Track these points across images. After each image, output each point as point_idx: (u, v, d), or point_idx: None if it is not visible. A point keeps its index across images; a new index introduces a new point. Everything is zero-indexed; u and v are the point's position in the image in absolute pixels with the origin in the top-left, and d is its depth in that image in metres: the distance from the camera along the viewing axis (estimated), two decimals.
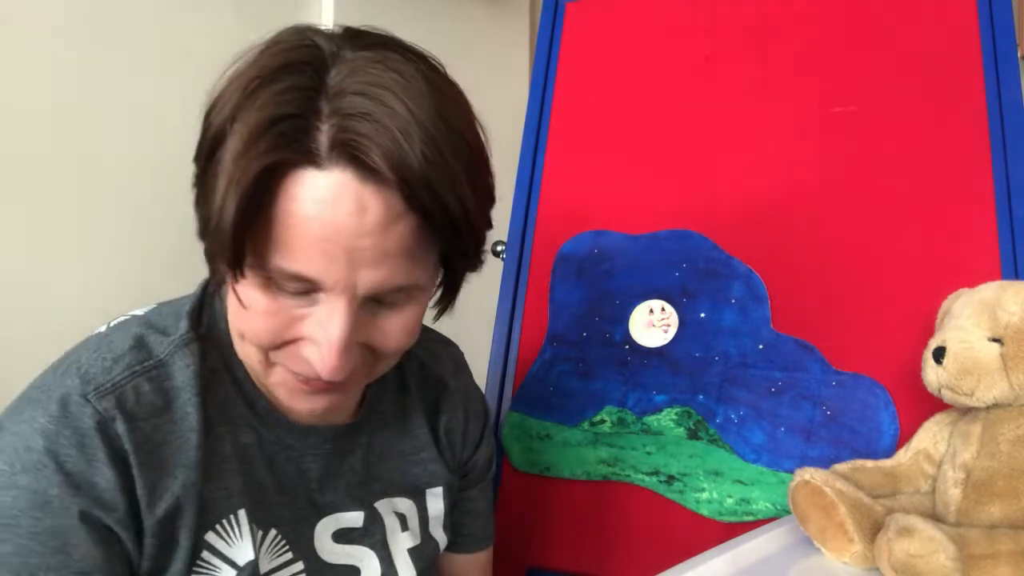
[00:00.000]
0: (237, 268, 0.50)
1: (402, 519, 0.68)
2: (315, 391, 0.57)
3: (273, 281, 0.51)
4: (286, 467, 0.61)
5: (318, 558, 0.62)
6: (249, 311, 0.53)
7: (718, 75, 1.02)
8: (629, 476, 0.93)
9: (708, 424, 0.91)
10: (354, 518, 0.65)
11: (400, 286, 0.53)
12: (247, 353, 0.57)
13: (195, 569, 0.55)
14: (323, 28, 0.55)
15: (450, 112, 0.52)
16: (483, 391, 1.04)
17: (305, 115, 0.48)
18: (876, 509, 0.64)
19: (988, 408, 0.66)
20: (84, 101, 1.15)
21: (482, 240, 0.58)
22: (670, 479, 0.91)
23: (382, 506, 0.67)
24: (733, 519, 0.87)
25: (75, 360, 0.54)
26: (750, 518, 0.86)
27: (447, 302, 0.61)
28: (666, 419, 0.93)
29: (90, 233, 1.14)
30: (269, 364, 0.56)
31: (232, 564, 0.56)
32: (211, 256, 0.53)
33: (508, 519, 0.99)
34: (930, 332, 0.72)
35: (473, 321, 1.34)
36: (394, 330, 0.56)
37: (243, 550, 0.57)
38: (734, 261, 0.95)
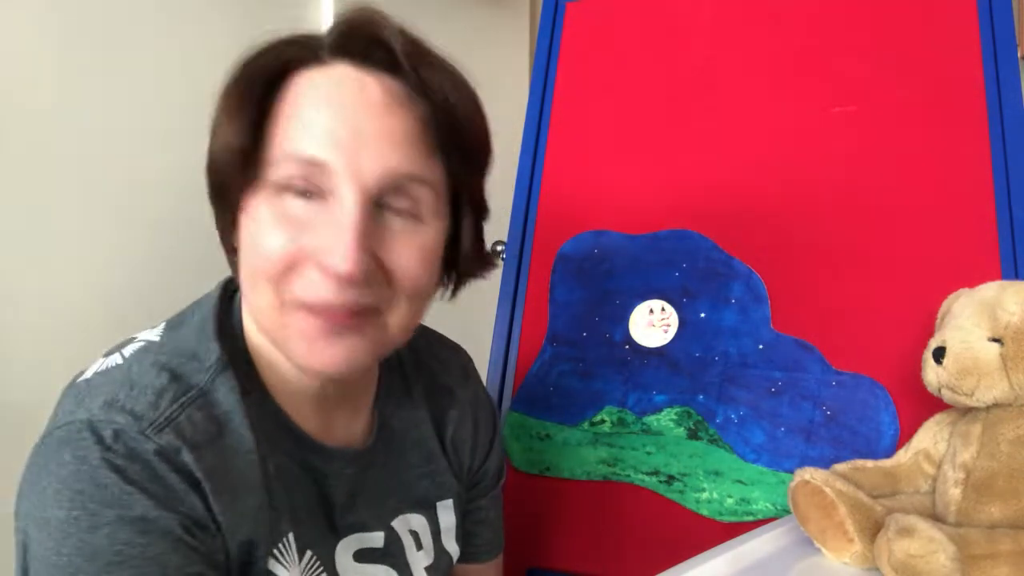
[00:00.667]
0: (251, 174, 0.52)
1: (415, 536, 0.67)
2: (332, 329, 0.53)
3: (283, 187, 0.52)
4: (311, 488, 0.60)
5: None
6: (259, 235, 0.53)
7: (718, 75, 1.02)
8: (629, 476, 0.93)
9: (708, 424, 0.91)
10: (375, 538, 0.64)
11: (409, 174, 0.53)
12: (262, 306, 0.54)
13: None
14: None
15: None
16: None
17: (308, 37, 0.54)
18: (876, 509, 0.64)
19: (988, 408, 0.66)
20: (84, 102, 1.15)
21: (485, 147, 0.60)
22: (670, 479, 0.91)
23: (398, 524, 0.66)
24: (733, 519, 0.87)
25: (111, 398, 0.51)
26: (750, 518, 0.86)
27: (461, 253, 0.61)
28: (666, 419, 0.93)
29: (90, 235, 1.14)
30: (283, 309, 0.53)
31: None
32: (224, 187, 0.54)
33: (508, 519, 0.98)
34: (930, 332, 0.72)
35: (473, 321, 1.34)
36: (406, 251, 0.55)
37: (296, 574, 0.55)
38: (734, 261, 0.95)
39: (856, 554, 0.63)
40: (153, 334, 0.58)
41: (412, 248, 0.55)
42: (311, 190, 0.52)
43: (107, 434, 0.49)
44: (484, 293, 1.20)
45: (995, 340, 0.65)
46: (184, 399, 0.52)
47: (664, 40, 1.07)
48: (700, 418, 0.91)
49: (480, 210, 0.63)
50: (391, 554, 0.65)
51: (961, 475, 0.65)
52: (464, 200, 0.60)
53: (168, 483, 0.49)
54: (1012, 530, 0.58)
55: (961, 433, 0.68)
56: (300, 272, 0.52)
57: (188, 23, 1.27)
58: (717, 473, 0.89)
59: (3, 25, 1.07)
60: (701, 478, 0.89)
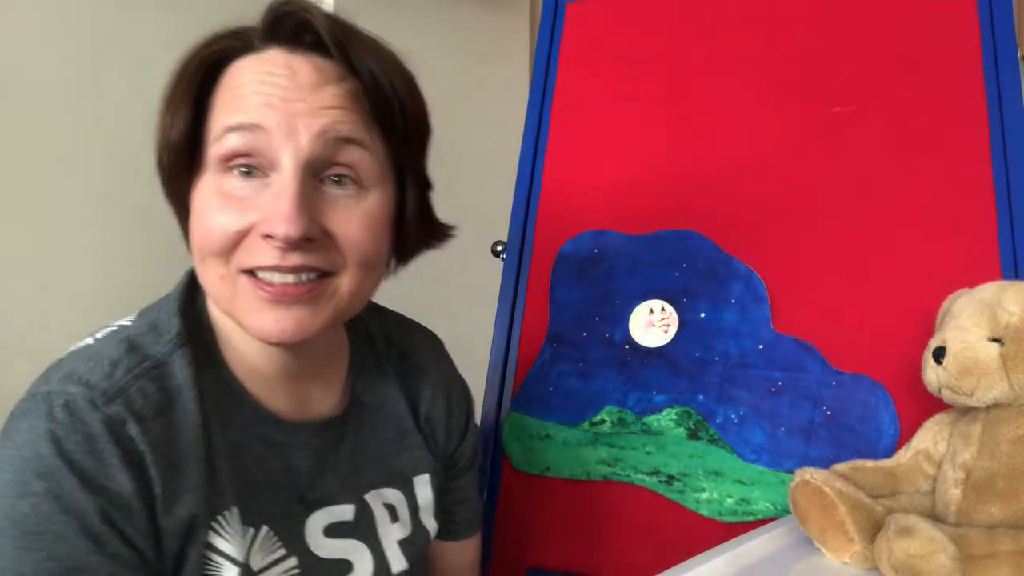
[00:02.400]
0: (196, 160, 0.56)
1: (391, 510, 0.68)
2: (284, 299, 0.55)
3: (226, 165, 0.55)
4: (275, 463, 0.61)
5: (311, 553, 0.62)
6: (206, 215, 0.55)
7: (718, 75, 1.02)
8: (629, 476, 0.93)
9: (708, 424, 0.91)
10: (344, 511, 0.65)
11: (342, 136, 0.56)
12: (212, 281, 0.57)
13: (202, 570, 0.55)
14: None
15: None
16: (483, 390, 1.04)
17: (242, 28, 0.58)
18: (876, 509, 0.64)
19: (988, 408, 0.66)
20: (85, 104, 1.15)
21: (420, 121, 0.62)
22: (670, 479, 0.91)
23: (371, 498, 0.67)
24: (733, 519, 0.87)
25: (70, 371, 0.54)
26: (750, 518, 0.86)
27: (407, 228, 0.64)
28: (666, 419, 0.93)
29: (89, 233, 1.14)
30: (232, 279, 0.55)
31: (233, 561, 0.56)
32: (173, 178, 0.58)
33: (508, 519, 0.99)
34: (930, 332, 0.72)
35: (473, 321, 1.34)
36: (350, 217, 0.57)
37: (239, 547, 0.57)
38: (734, 261, 0.95)
39: (856, 554, 0.63)
40: (127, 319, 0.60)
41: (355, 214, 0.57)
42: (252, 165, 0.55)
43: (58, 405, 0.51)
44: (484, 293, 1.20)
45: (995, 340, 0.65)
46: (138, 370, 0.55)
47: (664, 40, 1.07)
48: (700, 418, 0.91)
49: (423, 183, 0.65)
50: (361, 528, 0.65)
51: (961, 475, 0.65)
52: (407, 173, 0.63)
53: (103, 458, 0.51)
54: (1012, 530, 0.58)
55: (961, 433, 0.68)
56: (245, 244, 0.55)
57: (189, 22, 1.27)
58: (717, 473, 0.89)
59: (3, 25, 1.07)
60: (701, 478, 0.89)
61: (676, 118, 1.03)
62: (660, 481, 0.91)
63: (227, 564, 0.56)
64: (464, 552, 0.82)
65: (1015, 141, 0.84)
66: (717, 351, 0.93)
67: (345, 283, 0.58)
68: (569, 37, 1.14)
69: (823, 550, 0.66)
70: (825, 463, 0.74)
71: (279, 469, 0.61)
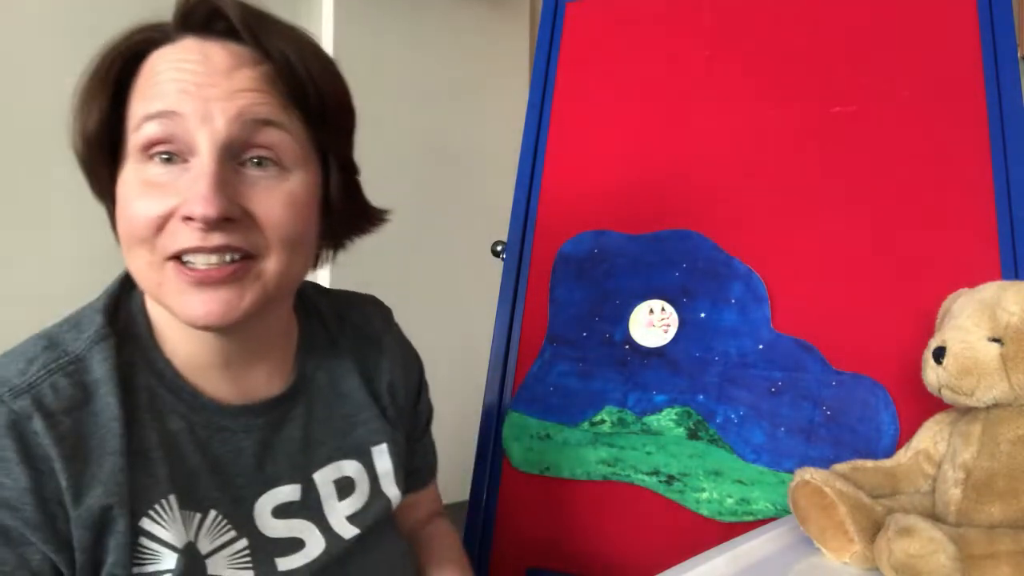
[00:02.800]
0: (117, 150, 0.56)
1: (346, 484, 0.69)
2: (207, 281, 0.55)
3: (146, 154, 0.55)
4: (221, 449, 0.62)
5: (260, 534, 0.62)
6: (128, 203, 0.56)
7: (718, 75, 1.02)
8: (629, 476, 0.93)
9: (708, 424, 0.91)
10: (290, 492, 0.65)
11: (259, 118, 0.56)
12: (140, 269, 0.57)
13: (136, 559, 0.55)
14: None
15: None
16: (483, 390, 1.05)
17: (157, 22, 0.58)
18: (876, 509, 0.64)
19: (988, 408, 0.66)
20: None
21: (336, 103, 0.62)
22: (670, 479, 0.91)
23: (323, 474, 0.67)
24: (733, 519, 0.87)
25: None
26: (750, 518, 0.86)
27: (335, 211, 0.64)
28: (666, 419, 0.93)
29: (89, 233, 1.14)
30: (159, 267, 0.56)
31: (172, 547, 0.56)
32: (94, 170, 0.59)
33: (508, 519, 0.99)
34: (930, 332, 0.72)
35: (473, 321, 1.34)
36: (270, 198, 0.57)
37: (179, 533, 0.57)
38: (734, 261, 0.95)
39: (856, 554, 0.63)
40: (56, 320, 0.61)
41: (276, 195, 0.58)
42: (171, 152, 0.55)
43: None
44: (484, 293, 1.20)
45: (995, 340, 0.65)
46: (53, 365, 0.55)
47: (664, 40, 1.07)
48: (700, 418, 0.92)
49: (349, 167, 0.66)
50: (308, 507, 0.66)
51: (961, 475, 0.65)
52: (330, 156, 0.63)
53: (2, 454, 0.51)
54: (1012, 530, 0.58)
55: (961, 433, 0.68)
56: (168, 229, 0.55)
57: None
58: (717, 473, 0.89)
59: (3, 24, 1.07)
60: (701, 478, 0.89)
61: (676, 118, 1.04)
62: (660, 481, 0.91)
63: (164, 551, 0.56)
64: (429, 497, 0.84)
65: (1015, 141, 0.84)
66: (717, 351, 0.93)
67: (271, 265, 0.58)
68: (569, 37, 1.14)
69: (823, 550, 0.66)
70: (825, 463, 0.74)
71: (226, 454, 0.62)
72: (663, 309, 0.97)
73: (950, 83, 0.89)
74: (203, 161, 0.54)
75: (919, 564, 0.55)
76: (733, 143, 0.99)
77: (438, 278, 1.65)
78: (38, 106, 1.11)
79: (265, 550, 0.62)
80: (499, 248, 1.13)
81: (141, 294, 0.62)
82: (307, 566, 0.63)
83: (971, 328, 0.66)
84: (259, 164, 0.57)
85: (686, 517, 0.89)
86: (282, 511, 0.64)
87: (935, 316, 0.75)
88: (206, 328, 0.57)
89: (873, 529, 0.63)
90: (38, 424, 0.52)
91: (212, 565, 0.58)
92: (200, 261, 0.55)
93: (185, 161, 0.55)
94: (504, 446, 1.01)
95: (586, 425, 0.97)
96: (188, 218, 0.54)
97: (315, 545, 0.65)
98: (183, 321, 0.57)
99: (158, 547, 0.56)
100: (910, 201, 0.88)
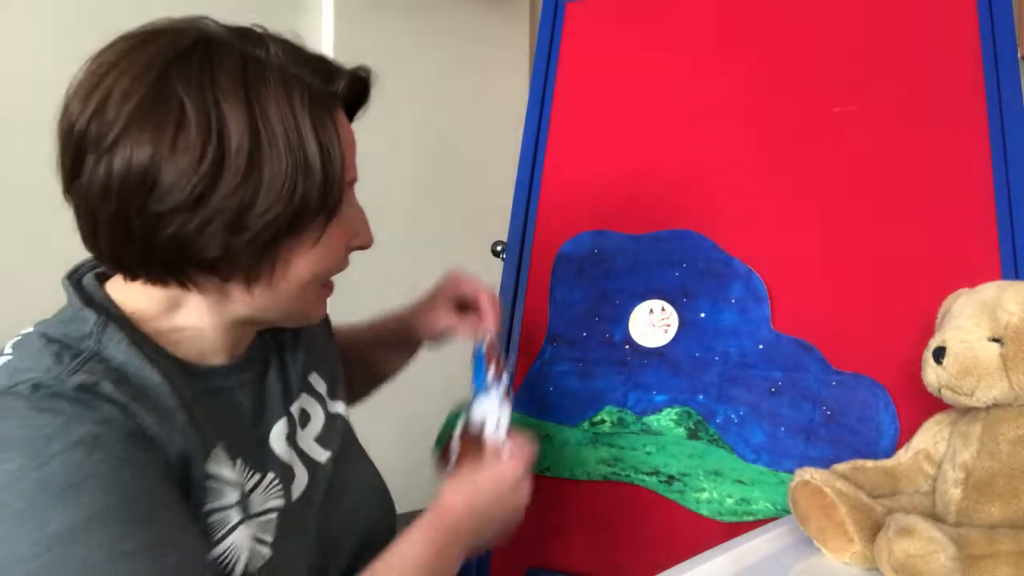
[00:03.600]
0: (338, 200, 0.60)
1: (302, 415, 0.72)
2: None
3: (342, 206, 0.61)
4: (224, 407, 0.64)
5: (283, 463, 0.66)
6: (333, 247, 0.63)
7: (718, 75, 1.02)
8: (629, 476, 0.93)
9: (708, 424, 0.91)
10: (283, 424, 0.69)
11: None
12: (308, 296, 0.64)
13: (208, 495, 0.57)
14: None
15: None
16: None
17: (335, 70, 0.61)
18: (876, 509, 0.64)
19: (988, 408, 0.66)
20: None
21: None
22: (670, 479, 0.91)
23: (295, 407, 0.71)
24: (733, 519, 0.87)
25: (12, 371, 0.53)
26: (750, 518, 0.86)
27: None
28: (666, 419, 0.93)
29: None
30: (322, 287, 0.67)
31: (234, 485, 0.60)
32: (299, 215, 0.57)
33: None
34: (930, 332, 0.72)
35: None
36: None
37: (237, 475, 0.60)
38: (734, 261, 0.95)
39: (856, 554, 0.63)
40: (17, 336, 0.58)
41: None
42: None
43: (25, 389, 0.51)
44: None
45: (995, 340, 0.65)
46: (81, 358, 0.54)
47: (664, 40, 1.07)
48: (700, 418, 0.92)
49: None
50: (290, 436, 0.69)
51: (961, 475, 0.65)
52: None
53: (99, 407, 0.51)
54: (1012, 530, 0.59)
55: (961, 433, 0.68)
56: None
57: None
58: (717, 473, 0.89)
59: (3, 24, 1.07)
60: (701, 478, 0.89)
61: (676, 118, 1.04)
62: (660, 481, 0.91)
63: (229, 489, 0.59)
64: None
65: (1015, 141, 0.84)
66: (717, 351, 0.93)
67: None
68: (569, 37, 1.14)
69: (823, 550, 0.66)
70: (825, 463, 0.74)
71: (230, 410, 0.65)
72: (663, 309, 0.97)
73: (950, 83, 0.89)
74: (358, 204, 0.67)
75: (919, 564, 0.55)
76: (733, 143, 0.99)
77: (438, 278, 1.64)
78: (38, 105, 1.11)
79: (289, 476, 0.66)
80: (499, 248, 1.13)
81: (100, 291, 0.62)
82: (304, 491, 0.67)
83: (971, 328, 0.66)
84: None
85: (686, 517, 0.89)
86: (288, 439, 0.68)
87: (935, 316, 0.75)
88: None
89: (873, 529, 0.63)
90: (108, 387, 0.52)
91: (252, 504, 0.61)
92: None
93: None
94: None
95: (586, 425, 0.97)
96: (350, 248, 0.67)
97: (301, 473, 0.68)
98: (307, 321, 0.68)
99: (223, 486, 0.59)
100: (910, 201, 0.88)
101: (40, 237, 1.12)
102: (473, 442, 0.78)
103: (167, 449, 0.54)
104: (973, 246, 0.84)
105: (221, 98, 0.53)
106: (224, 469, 0.59)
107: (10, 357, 0.55)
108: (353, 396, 0.86)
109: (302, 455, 0.70)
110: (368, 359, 0.92)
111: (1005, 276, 0.81)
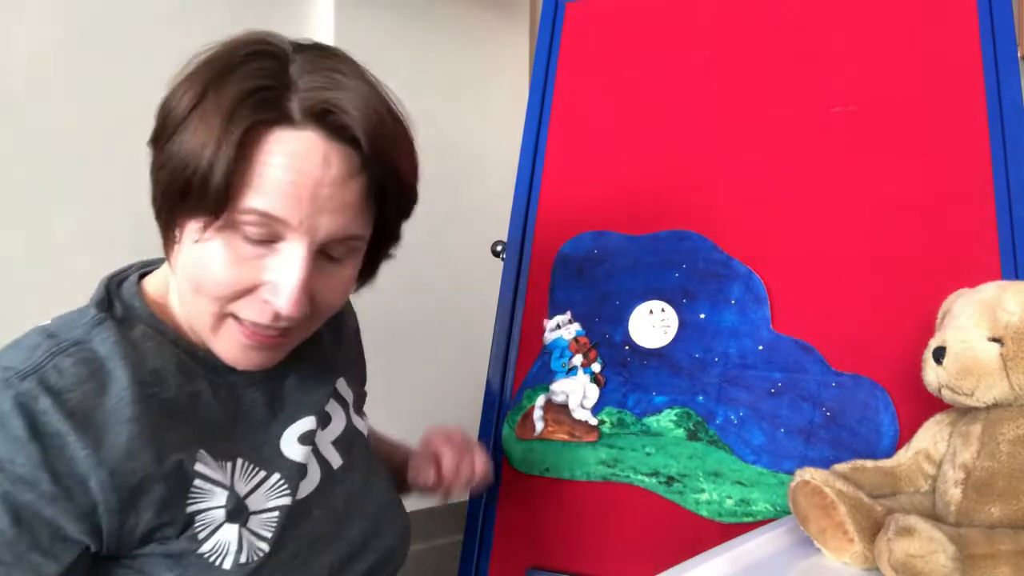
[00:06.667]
0: (216, 214, 0.56)
1: (323, 416, 0.72)
2: (261, 345, 0.62)
3: (239, 230, 0.57)
4: (238, 403, 0.66)
5: (292, 462, 0.67)
6: (211, 265, 0.58)
7: (718, 75, 1.02)
8: (629, 477, 0.93)
9: (708, 425, 0.91)
10: (309, 423, 0.70)
11: (352, 235, 0.61)
12: (199, 309, 0.61)
13: (191, 497, 0.59)
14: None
15: (389, 95, 0.63)
16: (483, 390, 1.05)
17: (279, 87, 0.57)
18: (876, 509, 0.64)
19: (988, 408, 0.66)
20: (84, 107, 1.15)
21: (415, 200, 0.67)
22: (670, 480, 0.91)
23: (329, 407, 0.73)
24: (733, 520, 0.87)
25: None
26: (750, 519, 0.86)
27: (372, 270, 0.71)
28: (666, 420, 0.93)
29: (91, 235, 1.14)
30: (221, 318, 0.60)
31: (222, 486, 0.61)
32: (176, 214, 0.58)
33: (508, 519, 0.99)
34: (930, 332, 0.72)
35: (473, 321, 1.34)
36: (337, 285, 0.64)
37: (224, 476, 0.62)
38: (734, 262, 0.95)
39: (856, 554, 0.63)
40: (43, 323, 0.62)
41: (338, 284, 0.64)
42: (266, 239, 0.58)
43: None
44: (484, 293, 1.20)
45: (995, 340, 0.65)
46: (55, 349, 0.57)
47: (664, 40, 1.07)
48: (700, 419, 0.91)
49: (395, 240, 0.71)
50: (310, 435, 0.70)
51: (961, 475, 0.65)
52: (385, 239, 0.69)
53: (9, 435, 0.53)
54: (1012, 530, 0.58)
55: (961, 433, 0.68)
56: (245, 299, 0.59)
57: (189, 22, 1.27)
58: (717, 474, 0.89)
59: (4, 24, 1.07)
60: (701, 479, 0.89)
61: (676, 118, 1.04)
62: (660, 482, 0.91)
63: (216, 489, 0.60)
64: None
65: (1015, 141, 0.84)
66: (717, 352, 0.93)
67: (314, 325, 0.65)
68: (569, 37, 1.14)
69: (823, 550, 0.66)
70: (825, 464, 0.74)
71: (244, 406, 0.66)
72: (663, 310, 0.97)
73: (950, 83, 0.89)
74: (296, 262, 0.58)
75: (919, 564, 0.55)
76: (733, 143, 0.99)
77: (438, 278, 1.65)
78: (40, 103, 1.11)
79: (300, 475, 0.67)
80: (499, 248, 1.13)
81: (135, 290, 0.65)
82: (313, 492, 0.68)
83: (971, 328, 0.66)
84: (331, 260, 0.62)
85: (686, 518, 0.89)
86: (305, 438, 0.69)
87: (935, 316, 0.75)
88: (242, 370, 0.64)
89: (873, 529, 0.63)
90: (44, 403, 0.54)
91: (252, 503, 0.63)
92: (260, 328, 0.61)
93: (275, 242, 0.58)
94: (504, 447, 1.01)
95: None
96: (268, 302, 0.59)
97: (313, 473, 0.69)
98: (224, 360, 0.63)
99: (210, 486, 0.60)
100: (910, 201, 0.88)
101: (40, 237, 1.12)
102: (555, 411, 0.97)
103: (93, 470, 0.54)
104: (973, 246, 0.84)
105: (199, 75, 0.58)
106: (210, 471, 0.60)
107: (14, 341, 0.59)
108: None
109: (317, 454, 0.70)
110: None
111: (1005, 276, 0.81)
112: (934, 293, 0.76)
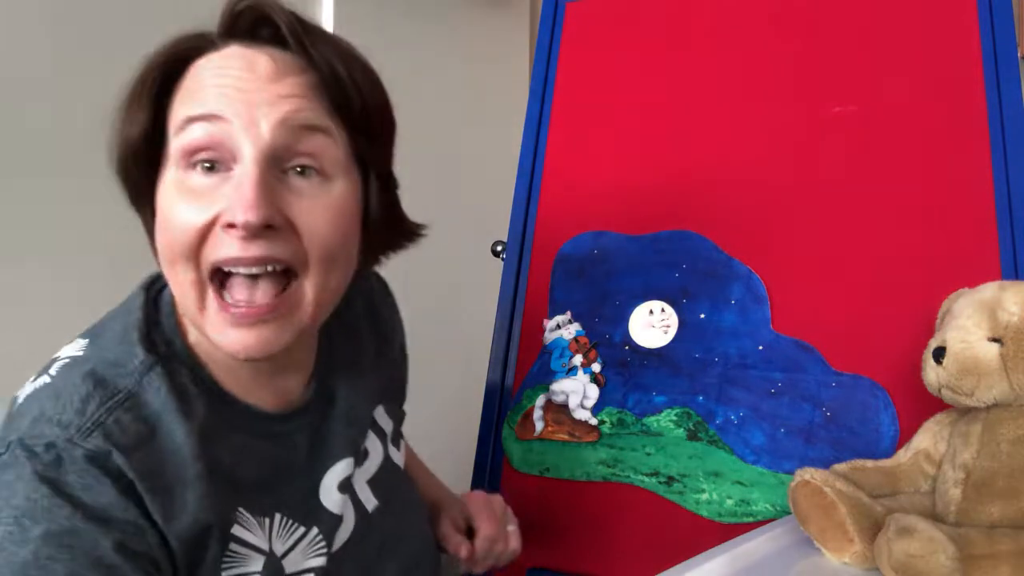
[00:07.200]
0: (157, 158, 0.55)
1: (364, 453, 0.70)
2: (245, 320, 0.55)
3: (188, 162, 0.54)
4: (280, 452, 0.63)
5: (331, 514, 0.64)
6: (170, 212, 0.55)
7: (718, 75, 1.02)
8: (629, 477, 0.93)
9: (708, 425, 0.91)
10: (345, 466, 0.67)
11: (303, 124, 0.55)
12: (182, 289, 0.56)
13: (225, 562, 0.56)
14: None
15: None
16: (483, 390, 1.05)
17: (202, 31, 0.58)
18: (876, 509, 0.64)
19: (988, 408, 0.66)
20: (84, 107, 1.15)
21: (390, 122, 0.63)
22: (670, 480, 0.91)
23: (369, 443, 0.71)
24: (733, 520, 0.87)
25: (39, 413, 0.53)
26: (750, 519, 0.86)
27: (381, 220, 0.64)
28: (666, 420, 0.93)
29: (92, 236, 1.14)
30: (201, 289, 0.55)
31: (259, 551, 0.58)
32: (135, 179, 0.57)
33: None
34: (930, 332, 0.72)
35: (473, 321, 1.34)
36: (314, 207, 0.56)
37: (263, 538, 0.59)
38: (734, 262, 0.95)
39: (856, 554, 0.63)
40: (75, 349, 0.59)
41: (319, 203, 0.56)
42: (214, 159, 0.54)
43: (39, 448, 0.51)
44: (484, 293, 1.20)
45: (995, 340, 0.65)
46: (111, 403, 0.54)
47: (664, 40, 1.07)
48: (700, 419, 0.91)
49: (388, 179, 0.65)
50: (347, 480, 0.67)
51: (961, 475, 0.65)
52: (371, 168, 0.62)
53: (100, 490, 0.50)
54: (1012, 530, 0.59)
55: (961, 433, 0.68)
56: (210, 239, 0.54)
57: (189, 24, 1.27)
58: (717, 474, 0.89)
59: (4, 24, 1.07)
60: (701, 479, 0.89)
61: (676, 118, 1.03)
62: (660, 482, 0.91)
63: (253, 554, 0.58)
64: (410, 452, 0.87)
65: (1015, 141, 0.84)
66: (717, 352, 0.93)
67: (308, 288, 0.57)
68: (569, 37, 1.14)
69: (823, 550, 0.66)
70: (825, 464, 0.74)
71: (284, 455, 0.63)
72: (663, 310, 0.97)
73: (950, 83, 0.89)
74: (247, 167, 0.53)
75: (919, 564, 0.55)
76: (733, 143, 0.99)
77: (438, 278, 1.65)
78: (37, 106, 1.11)
79: (335, 526, 0.64)
80: (499, 248, 1.13)
81: (173, 314, 0.61)
82: (348, 542, 0.65)
83: (971, 328, 0.66)
84: (302, 173, 0.56)
85: (686, 518, 0.89)
86: (344, 486, 0.66)
87: (935, 316, 0.75)
88: (245, 360, 0.57)
89: (873, 529, 0.63)
90: (118, 459, 0.52)
91: (289, 564, 0.60)
92: (241, 295, 0.55)
93: (228, 169, 0.54)
94: (504, 447, 1.01)
95: None
96: (230, 225, 0.53)
97: (348, 520, 0.66)
98: (223, 349, 0.56)
99: (247, 551, 0.57)
100: (910, 201, 0.88)
101: (40, 235, 1.12)
102: (555, 411, 0.98)
103: (168, 533, 0.53)
104: (973, 246, 0.84)
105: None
106: (249, 534, 0.58)
107: (49, 380, 0.56)
108: None
109: (355, 500, 0.68)
110: None
111: (1005, 276, 0.81)
112: (934, 293, 0.76)
